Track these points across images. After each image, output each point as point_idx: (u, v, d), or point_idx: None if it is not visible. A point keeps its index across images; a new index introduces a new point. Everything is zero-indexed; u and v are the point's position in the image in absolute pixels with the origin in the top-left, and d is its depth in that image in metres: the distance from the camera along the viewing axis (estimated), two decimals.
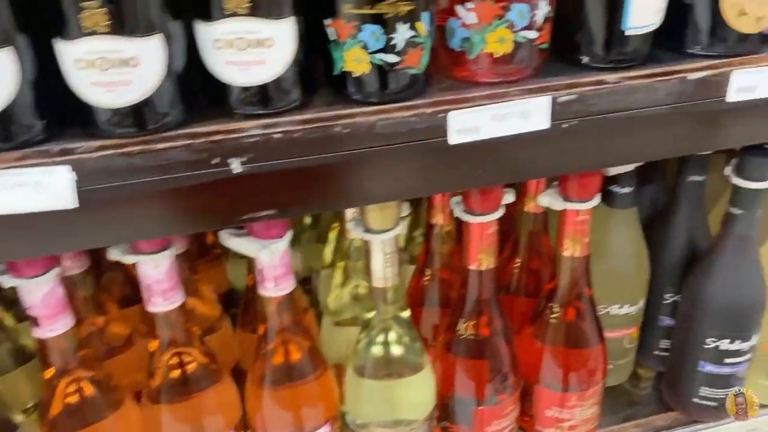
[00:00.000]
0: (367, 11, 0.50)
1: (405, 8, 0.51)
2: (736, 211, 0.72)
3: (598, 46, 0.59)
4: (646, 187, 0.88)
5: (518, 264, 0.83)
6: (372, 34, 0.51)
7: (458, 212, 0.67)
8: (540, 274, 0.82)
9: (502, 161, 0.57)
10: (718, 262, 0.75)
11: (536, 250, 0.82)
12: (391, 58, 0.53)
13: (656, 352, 0.89)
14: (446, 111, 0.54)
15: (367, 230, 0.63)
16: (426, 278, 0.82)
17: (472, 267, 0.69)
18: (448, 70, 0.60)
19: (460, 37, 0.57)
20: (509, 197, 0.68)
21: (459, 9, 0.55)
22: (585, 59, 0.60)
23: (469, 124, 0.55)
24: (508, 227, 0.84)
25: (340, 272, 0.81)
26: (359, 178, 0.54)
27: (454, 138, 0.55)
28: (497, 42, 0.56)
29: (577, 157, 0.59)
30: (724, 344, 0.76)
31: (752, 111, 0.61)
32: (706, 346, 0.77)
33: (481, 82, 0.58)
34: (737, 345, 0.76)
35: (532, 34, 0.56)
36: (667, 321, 0.87)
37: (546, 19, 0.57)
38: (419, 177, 0.56)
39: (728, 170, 0.72)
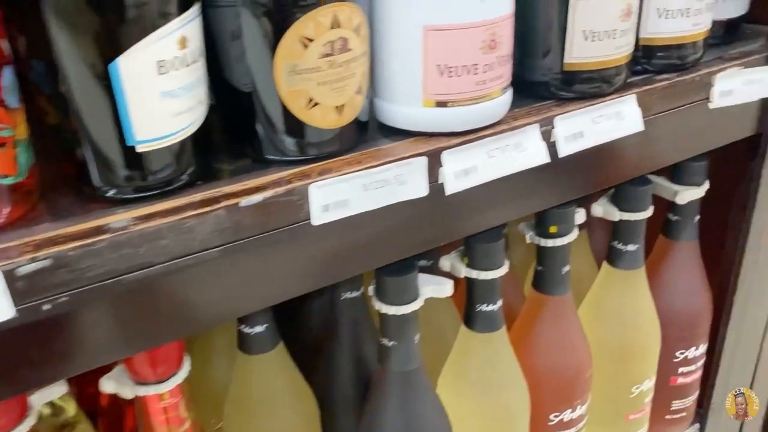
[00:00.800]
0: None
1: None
2: (387, 342, 0.56)
3: (108, 170, 0.39)
4: (307, 309, 0.70)
5: None
6: None
7: None
8: None
9: None
10: (382, 409, 0.58)
11: None
12: None
13: None
14: None
15: None
16: None
17: None
18: None
19: None
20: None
21: None
22: (106, 191, 0.39)
23: None
24: None
25: None
26: None
27: None
28: None
29: (77, 351, 0.37)
30: None
31: (350, 227, 0.45)
32: None
33: None
34: None
35: None
36: None
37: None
38: None
39: (371, 291, 0.56)
